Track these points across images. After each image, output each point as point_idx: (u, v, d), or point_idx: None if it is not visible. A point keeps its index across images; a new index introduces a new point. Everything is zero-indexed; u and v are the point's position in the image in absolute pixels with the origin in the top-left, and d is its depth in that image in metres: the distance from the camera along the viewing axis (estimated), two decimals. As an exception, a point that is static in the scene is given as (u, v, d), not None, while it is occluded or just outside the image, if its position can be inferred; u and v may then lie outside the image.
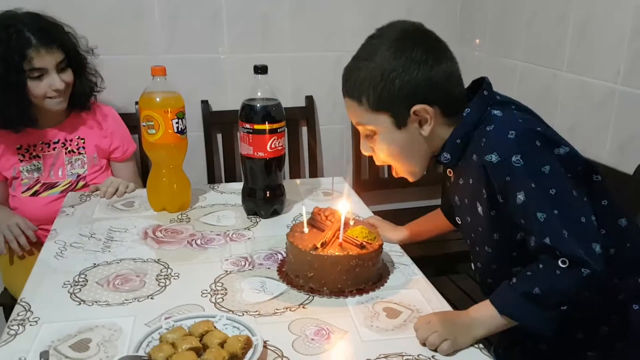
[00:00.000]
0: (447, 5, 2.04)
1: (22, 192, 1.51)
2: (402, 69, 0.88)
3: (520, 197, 0.83)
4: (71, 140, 1.54)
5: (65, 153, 1.53)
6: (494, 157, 0.84)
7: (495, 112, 0.91)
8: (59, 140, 1.53)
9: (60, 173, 1.53)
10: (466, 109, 0.92)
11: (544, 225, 0.82)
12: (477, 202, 0.93)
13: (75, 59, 1.48)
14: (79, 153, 1.55)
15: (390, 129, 0.93)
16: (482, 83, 0.95)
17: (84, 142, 1.55)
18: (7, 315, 1.56)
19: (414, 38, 0.91)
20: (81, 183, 1.55)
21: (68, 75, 1.46)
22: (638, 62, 1.37)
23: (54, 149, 1.52)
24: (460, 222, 1.04)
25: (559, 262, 0.81)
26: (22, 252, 1.47)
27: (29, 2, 1.58)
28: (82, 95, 1.52)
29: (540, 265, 0.83)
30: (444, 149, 0.95)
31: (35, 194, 1.51)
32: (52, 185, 1.52)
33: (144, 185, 1.48)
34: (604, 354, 0.95)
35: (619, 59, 1.41)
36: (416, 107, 0.90)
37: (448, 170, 1.01)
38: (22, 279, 1.43)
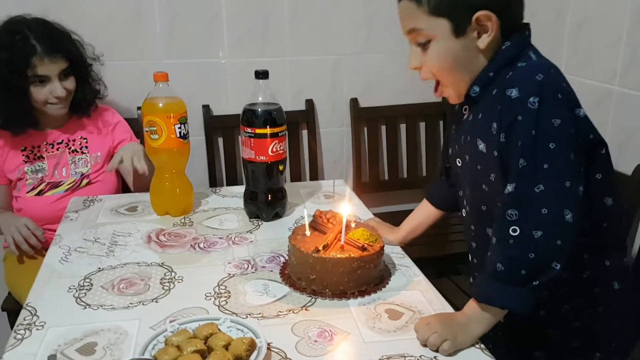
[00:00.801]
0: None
1: (27, 192, 1.53)
2: None
3: (521, 140, 0.83)
4: (74, 140, 1.56)
5: (69, 152, 1.56)
6: (513, 92, 0.84)
7: (532, 54, 0.90)
8: (62, 140, 1.55)
9: (64, 172, 1.55)
10: (506, 43, 0.90)
11: (523, 171, 0.82)
12: (479, 139, 0.91)
13: (79, 67, 1.50)
14: (82, 152, 1.57)
15: (448, 37, 0.89)
16: (523, 27, 0.93)
17: (86, 142, 1.58)
18: (11, 319, 1.57)
19: None
20: (85, 181, 1.56)
21: (70, 83, 1.48)
22: (634, 63, 1.38)
23: (57, 149, 1.54)
24: (460, 164, 1.02)
25: (510, 231, 0.81)
26: (33, 252, 1.47)
27: (29, 7, 1.59)
28: (83, 102, 1.54)
29: (494, 239, 0.85)
30: (474, 82, 0.92)
31: (40, 193, 1.53)
32: (56, 185, 1.54)
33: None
34: (561, 332, 0.96)
35: (616, 60, 1.42)
36: (480, 13, 0.86)
37: (464, 107, 0.99)
38: (26, 282, 1.44)
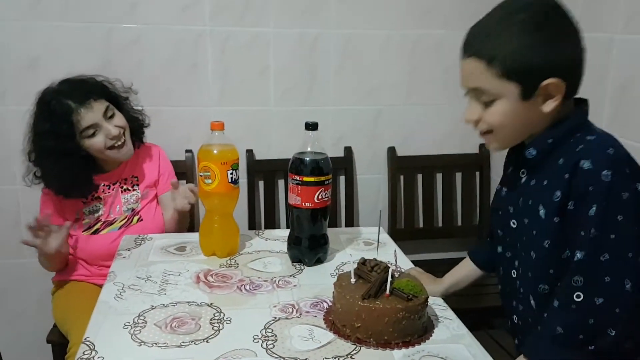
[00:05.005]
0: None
1: (83, 231, 1.58)
2: (544, 41, 0.88)
3: (593, 209, 0.85)
4: (126, 179, 1.63)
5: (122, 191, 1.62)
6: (586, 164, 0.87)
7: (596, 127, 0.94)
8: (117, 181, 1.62)
9: (117, 209, 1.61)
10: (568, 115, 0.94)
11: (591, 241, 0.85)
12: (542, 205, 0.94)
13: (115, 102, 1.56)
14: (133, 189, 1.64)
15: (514, 99, 0.91)
16: (581, 102, 0.97)
17: (137, 180, 1.65)
18: (55, 352, 1.62)
19: (558, 14, 0.90)
20: (136, 218, 1.62)
21: (119, 120, 1.53)
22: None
23: (112, 189, 1.61)
24: (515, 226, 1.03)
25: (574, 297, 0.84)
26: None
27: (90, 59, 1.69)
28: (135, 133, 1.62)
29: (556, 303, 0.87)
30: (531, 144, 0.96)
31: (96, 232, 1.59)
32: (110, 223, 1.60)
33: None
34: None
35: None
36: (550, 81, 0.89)
37: (522, 170, 1.02)
38: (71, 317, 1.49)
